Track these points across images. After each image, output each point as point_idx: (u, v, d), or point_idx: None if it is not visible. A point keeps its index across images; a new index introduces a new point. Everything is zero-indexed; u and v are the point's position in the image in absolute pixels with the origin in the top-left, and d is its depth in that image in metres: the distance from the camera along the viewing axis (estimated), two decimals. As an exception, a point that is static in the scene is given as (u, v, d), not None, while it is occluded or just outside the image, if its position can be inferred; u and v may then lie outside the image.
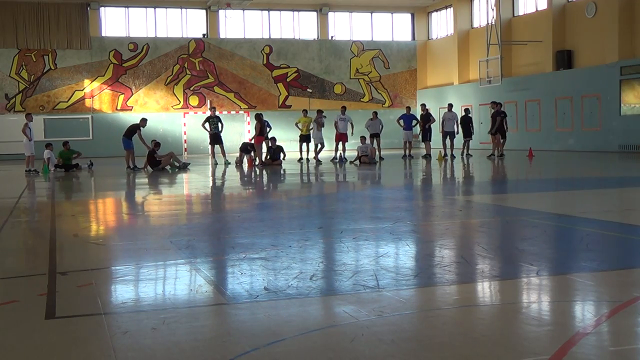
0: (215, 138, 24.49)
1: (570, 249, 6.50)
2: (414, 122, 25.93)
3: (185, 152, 32.16)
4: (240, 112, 34.80)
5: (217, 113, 25.54)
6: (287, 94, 36.29)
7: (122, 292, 5.20)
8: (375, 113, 25.58)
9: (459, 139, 25.45)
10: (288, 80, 36.29)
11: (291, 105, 35.88)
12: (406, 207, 10.48)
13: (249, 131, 33.37)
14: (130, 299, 4.95)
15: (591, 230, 7.45)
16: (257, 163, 22.18)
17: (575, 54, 28.81)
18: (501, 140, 24.06)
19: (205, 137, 33.87)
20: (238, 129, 34.51)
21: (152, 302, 4.87)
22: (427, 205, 10.78)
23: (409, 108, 27.25)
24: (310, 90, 36.42)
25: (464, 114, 25.97)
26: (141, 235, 8.30)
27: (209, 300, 4.87)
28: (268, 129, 23.75)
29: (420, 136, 26.37)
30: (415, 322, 4.18)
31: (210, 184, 17.37)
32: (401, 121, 25.82)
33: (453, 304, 4.63)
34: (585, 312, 4.27)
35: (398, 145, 31.91)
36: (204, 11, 35.26)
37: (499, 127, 23.84)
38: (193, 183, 17.28)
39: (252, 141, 23.03)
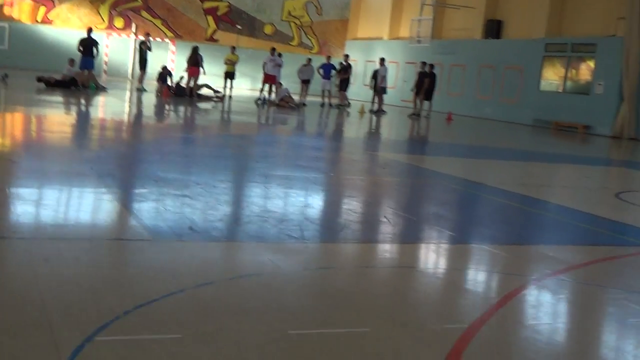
0: (144, 63, 23.76)
1: (490, 220, 6.70)
2: (333, 71, 25.88)
3: (105, 75, 31.19)
4: (166, 40, 33.89)
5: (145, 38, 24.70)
6: (215, 27, 35.50)
7: (42, 217, 5.05)
8: (309, 59, 25.46)
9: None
10: (218, 13, 35.47)
11: (218, 40, 35.17)
12: (330, 158, 10.54)
13: (172, 60, 32.63)
14: (50, 225, 4.82)
15: (508, 202, 7.70)
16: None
17: (505, 25, 29.29)
18: (425, 101, 24.40)
19: (126, 61, 33.08)
20: (161, 58, 33.59)
21: (74, 231, 4.75)
22: (349, 159, 10.86)
23: (329, 57, 27.16)
24: (240, 27, 35.75)
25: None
26: (59, 157, 8.05)
27: (132, 235, 4.79)
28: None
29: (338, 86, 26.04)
30: (342, 278, 4.24)
31: (133, 111, 16.94)
32: (321, 70, 25.74)
33: (378, 263, 4.72)
34: (504, 284, 4.43)
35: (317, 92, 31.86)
36: None
37: (427, 88, 24.13)
38: (113, 108, 16.82)
39: (186, 71, 22.50)
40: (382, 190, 7.92)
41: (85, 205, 5.68)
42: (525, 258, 5.15)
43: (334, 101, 25.81)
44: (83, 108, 16.03)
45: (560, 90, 25.98)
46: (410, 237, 5.54)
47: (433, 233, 5.74)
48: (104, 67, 31.96)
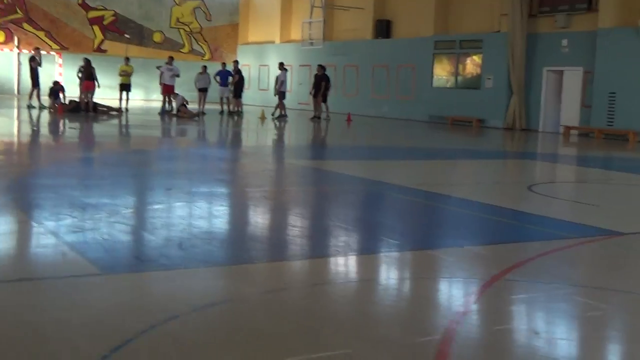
0: (35, 79, 22.86)
1: (421, 224, 6.85)
2: (230, 78, 25.70)
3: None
4: (52, 52, 32.69)
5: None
6: (103, 37, 34.55)
7: (-24, 258, 4.80)
8: (205, 67, 25.18)
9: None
10: (105, 23, 34.53)
11: (107, 50, 34.26)
12: (246, 170, 10.48)
13: (60, 74, 31.53)
14: (-11, 266, 4.58)
15: (429, 203, 7.90)
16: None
17: (394, 24, 29.95)
18: (323, 104, 24.59)
19: (11, 76, 31.74)
20: (48, 71, 32.41)
21: (15, 270, 4.53)
22: (266, 169, 10.83)
23: (224, 64, 26.91)
24: (128, 36, 34.95)
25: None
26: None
27: (80, 270, 4.61)
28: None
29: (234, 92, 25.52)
30: (304, 298, 4.24)
31: (31, 131, 16.25)
32: (217, 77, 25.50)
33: (332, 279, 4.75)
34: (457, 290, 4.55)
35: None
36: (14, -61, 32.53)
37: (323, 91, 24.32)
38: (8, 129, 16.09)
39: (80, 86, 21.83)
40: (311, 200, 7.96)
41: (18, 241, 5.42)
42: (466, 261, 5.30)
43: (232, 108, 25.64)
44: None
45: (452, 86, 26.84)
46: (353, 247, 5.59)
47: (371, 242, 5.82)
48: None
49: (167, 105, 23.37)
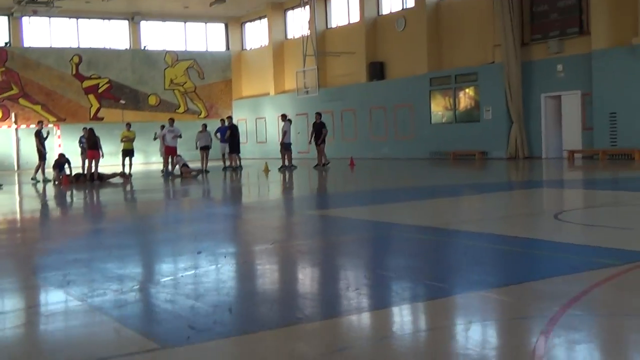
0: (41, 152, 22.95)
1: (459, 264, 6.76)
2: (228, 132, 25.70)
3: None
4: (50, 125, 32.81)
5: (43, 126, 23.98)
6: (98, 105, 34.78)
7: (27, 345, 4.68)
8: (205, 125, 25.30)
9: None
10: (100, 91, 34.81)
11: (104, 118, 34.46)
12: (270, 225, 10.41)
13: (59, 145, 31.61)
14: (47, 353, 4.47)
15: (465, 242, 7.82)
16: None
17: (387, 66, 30.22)
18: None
19: (10, 152, 31.82)
20: (47, 144, 32.51)
21: (75, 353, 4.42)
22: (288, 221, 10.75)
23: (223, 120, 27.01)
24: (124, 102, 35.20)
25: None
26: None
27: (139, 346, 4.49)
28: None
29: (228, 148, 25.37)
30: (379, 352, 4.13)
31: (46, 205, 16.17)
32: (218, 134, 25.57)
33: (401, 330, 4.64)
34: (528, 331, 4.45)
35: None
36: (6, 18, 32.91)
37: (323, 137, 24.37)
38: (22, 205, 16.02)
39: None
40: (346, 251, 7.87)
41: (67, 321, 5.31)
42: (521, 299, 5.21)
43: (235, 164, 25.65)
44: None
45: (451, 121, 26.96)
46: (401, 295, 5.48)
47: (417, 288, 5.71)
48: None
49: (169, 166, 23.40)
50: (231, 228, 10.18)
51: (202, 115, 37.04)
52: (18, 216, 13.95)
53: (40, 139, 22.83)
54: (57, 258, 7.99)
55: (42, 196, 18.10)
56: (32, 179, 22.54)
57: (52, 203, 16.50)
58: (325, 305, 5.29)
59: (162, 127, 25.18)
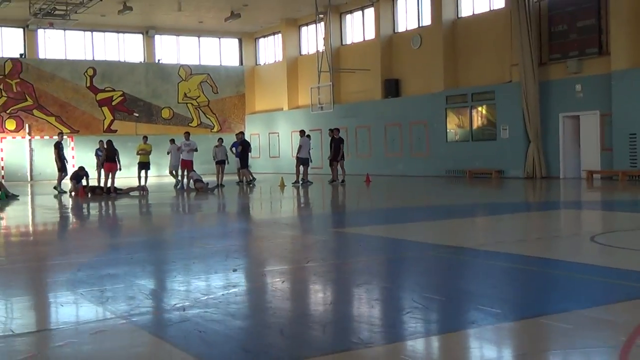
0: (62, 164, 23.01)
1: (508, 288, 6.61)
2: (240, 147, 25.61)
3: (3, 180, 29.73)
4: (64, 137, 32.78)
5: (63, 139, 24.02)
6: (112, 118, 34.80)
7: (81, 364, 4.55)
8: (221, 140, 25.18)
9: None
10: (113, 104, 34.83)
11: (117, 130, 34.45)
12: (297, 242, 10.26)
13: (72, 157, 31.59)
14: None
15: (507, 265, 7.67)
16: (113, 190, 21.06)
17: (402, 83, 30.14)
18: (339, 167, 24.49)
19: (24, 163, 31.82)
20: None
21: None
22: (315, 239, 10.60)
23: (238, 134, 26.94)
24: (137, 115, 35.21)
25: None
26: (32, 285, 7.41)
27: (196, 370, 4.37)
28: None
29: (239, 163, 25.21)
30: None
31: (62, 217, 16.07)
32: (233, 149, 25.47)
33: (465, 357, 4.49)
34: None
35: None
36: (22, 30, 32.99)
37: (343, 153, 24.29)
38: (44, 217, 15.92)
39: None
40: (383, 271, 7.72)
41: (117, 341, 5.17)
42: (583, 327, 5.05)
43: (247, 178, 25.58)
44: (13, 222, 15.09)
45: (467, 139, 26.82)
46: (458, 321, 5.33)
47: (471, 313, 5.55)
48: (1, 172, 30.62)
49: (185, 180, 23.32)
50: (259, 245, 10.04)
51: (215, 129, 37.01)
52: (41, 228, 13.84)
53: (59, 150, 22.85)
54: (90, 273, 7.86)
55: (62, 208, 18.01)
56: (54, 187, 22.51)
57: (74, 215, 16.40)
58: (380, 329, 5.14)
59: (172, 140, 25.08)
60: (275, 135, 36.33)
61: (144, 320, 5.59)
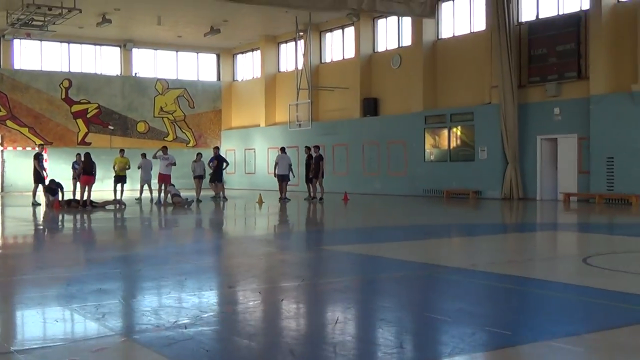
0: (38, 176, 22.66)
1: (514, 309, 6.54)
2: (225, 164, 25.59)
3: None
4: (37, 148, 32.32)
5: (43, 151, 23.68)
6: (87, 130, 34.40)
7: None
8: (200, 154, 25.00)
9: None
10: (88, 116, 34.46)
11: (91, 143, 34.04)
12: (288, 260, 10.14)
13: (45, 169, 31.04)
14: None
15: (504, 286, 7.63)
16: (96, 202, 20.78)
17: (381, 102, 30.24)
18: (318, 184, 24.43)
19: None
20: (32, 166, 32.04)
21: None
22: (305, 257, 10.46)
23: (217, 149, 26.84)
24: (112, 128, 34.86)
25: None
26: (21, 300, 7.19)
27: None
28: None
29: (210, 177, 25.06)
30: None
31: (40, 230, 15.76)
32: (211, 163, 25.27)
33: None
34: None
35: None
36: (-3, 39, 32.59)
37: (322, 171, 24.26)
38: (21, 229, 15.59)
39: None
40: (380, 290, 7.63)
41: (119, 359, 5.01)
42: (598, 352, 5.00)
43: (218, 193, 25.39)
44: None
45: (445, 160, 26.93)
46: (468, 343, 5.24)
47: (482, 335, 5.48)
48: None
49: (163, 194, 23.05)
50: (249, 262, 9.87)
51: (191, 144, 36.79)
52: (20, 241, 13.53)
53: (39, 161, 22.50)
54: (80, 288, 7.65)
55: (39, 220, 17.67)
56: (32, 203, 22.08)
57: (52, 228, 16.09)
58: (387, 350, 5.04)
59: (143, 155, 24.77)
60: (252, 152, 36.19)
61: (145, 338, 5.43)
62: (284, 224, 17.03)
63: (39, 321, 6.17)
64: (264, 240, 12.95)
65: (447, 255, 10.36)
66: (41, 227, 16.44)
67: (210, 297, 7.18)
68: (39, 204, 21.64)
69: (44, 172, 22.57)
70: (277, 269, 9.24)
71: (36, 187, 22.34)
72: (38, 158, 22.63)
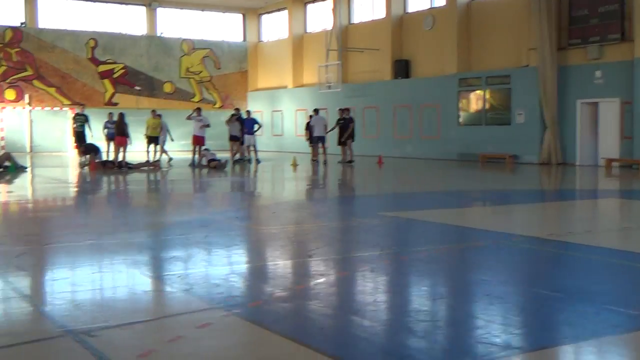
0: (80, 137, 22.40)
1: (625, 286, 6.19)
2: (256, 126, 25.29)
3: (3, 150, 29.04)
4: (64, 108, 32.14)
5: (85, 111, 23.39)
6: (113, 91, 34.05)
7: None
8: (234, 115, 24.44)
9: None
10: (115, 76, 34.06)
11: (118, 103, 33.69)
12: (358, 227, 9.81)
13: (74, 128, 30.86)
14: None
15: (602, 258, 7.30)
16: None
17: (413, 64, 29.65)
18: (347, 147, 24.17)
19: (23, 134, 31.11)
20: (60, 126, 31.93)
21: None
22: (378, 224, 10.11)
23: (249, 112, 26.57)
24: (139, 88, 34.48)
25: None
26: (104, 265, 6.93)
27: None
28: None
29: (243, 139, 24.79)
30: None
31: (96, 192, 15.53)
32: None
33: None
34: None
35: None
36: (22, -3, 32.13)
37: (351, 133, 23.92)
38: (68, 191, 15.36)
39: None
40: (474, 261, 7.32)
41: (227, 339, 4.74)
42: None
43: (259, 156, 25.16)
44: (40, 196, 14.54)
45: (480, 123, 26.42)
46: (597, 324, 4.92)
47: (607, 315, 5.13)
48: (1, 142, 29.89)
49: (196, 156, 22.75)
50: (314, 229, 9.57)
51: (217, 105, 36.40)
52: (70, 203, 13.29)
53: (84, 122, 22.45)
54: (153, 255, 7.40)
55: (83, 182, 17.46)
56: (80, 163, 21.87)
57: (98, 191, 15.86)
58: (513, 330, 4.73)
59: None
60: (279, 113, 35.77)
61: (247, 312, 5.14)
62: (330, 189, 16.70)
63: (128, 292, 5.91)
64: (319, 206, 12.66)
65: (519, 224, 10.00)
66: (88, 189, 16.22)
67: (293, 267, 6.90)
68: (87, 164, 21.19)
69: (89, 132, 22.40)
70: (347, 236, 8.93)
71: (81, 148, 21.94)
72: (76, 119, 22.50)
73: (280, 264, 7.01)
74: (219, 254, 7.58)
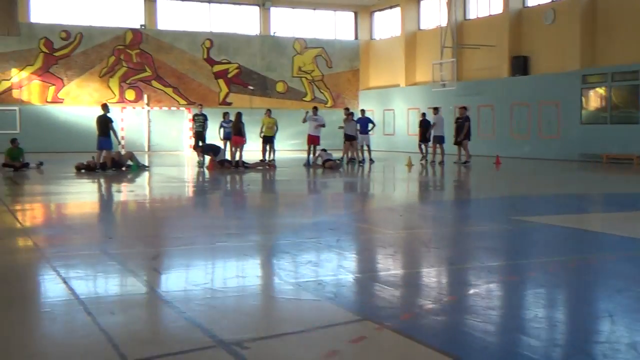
0: (200, 137, 22.87)
1: None
2: (370, 125, 25.02)
3: (123, 149, 29.98)
4: (181, 108, 32.93)
5: (202, 111, 23.88)
6: (227, 90, 34.61)
7: None
8: (351, 114, 24.11)
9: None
10: (229, 76, 34.61)
11: (232, 103, 34.23)
12: (490, 232, 9.34)
13: (190, 129, 31.54)
14: None
15: None
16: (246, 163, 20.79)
17: (532, 60, 28.60)
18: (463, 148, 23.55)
19: (142, 133, 32.03)
20: (177, 126, 32.73)
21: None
22: (505, 229, 9.63)
23: (363, 111, 26.31)
24: (252, 88, 34.90)
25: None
26: (241, 268, 6.81)
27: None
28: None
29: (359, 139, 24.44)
30: None
31: (222, 193, 15.70)
32: (358, 125, 24.68)
33: None
34: None
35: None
36: (142, 0, 33.06)
37: (467, 132, 23.32)
38: (194, 190, 15.59)
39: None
40: (629, 273, 6.76)
41: (382, 351, 4.45)
42: None
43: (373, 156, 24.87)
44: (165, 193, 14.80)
45: (604, 122, 25.17)
46: None
47: None
48: (122, 142, 30.84)
49: (311, 156, 22.68)
50: (450, 234, 9.17)
51: (329, 104, 36.39)
52: (199, 201, 13.42)
53: (204, 122, 22.95)
54: (289, 260, 7.20)
55: (207, 182, 17.69)
56: (197, 162, 22.31)
57: (223, 191, 16.02)
58: None
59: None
60: (391, 112, 35.37)
61: (402, 325, 4.82)
62: (452, 191, 16.22)
63: (269, 299, 5.72)
64: (446, 209, 12.22)
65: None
66: (210, 189, 16.41)
67: (437, 276, 6.54)
68: (204, 164, 21.48)
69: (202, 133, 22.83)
70: (483, 242, 8.47)
71: (200, 147, 22.31)
72: (197, 118, 23.03)
73: (422, 272, 6.68)
74: (355, 260, 7.32)
